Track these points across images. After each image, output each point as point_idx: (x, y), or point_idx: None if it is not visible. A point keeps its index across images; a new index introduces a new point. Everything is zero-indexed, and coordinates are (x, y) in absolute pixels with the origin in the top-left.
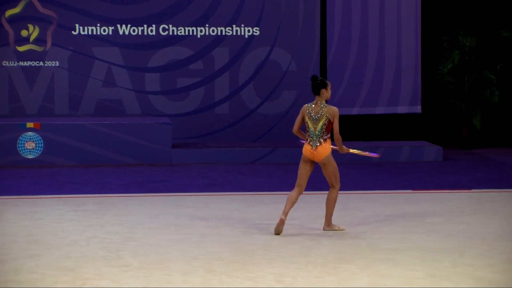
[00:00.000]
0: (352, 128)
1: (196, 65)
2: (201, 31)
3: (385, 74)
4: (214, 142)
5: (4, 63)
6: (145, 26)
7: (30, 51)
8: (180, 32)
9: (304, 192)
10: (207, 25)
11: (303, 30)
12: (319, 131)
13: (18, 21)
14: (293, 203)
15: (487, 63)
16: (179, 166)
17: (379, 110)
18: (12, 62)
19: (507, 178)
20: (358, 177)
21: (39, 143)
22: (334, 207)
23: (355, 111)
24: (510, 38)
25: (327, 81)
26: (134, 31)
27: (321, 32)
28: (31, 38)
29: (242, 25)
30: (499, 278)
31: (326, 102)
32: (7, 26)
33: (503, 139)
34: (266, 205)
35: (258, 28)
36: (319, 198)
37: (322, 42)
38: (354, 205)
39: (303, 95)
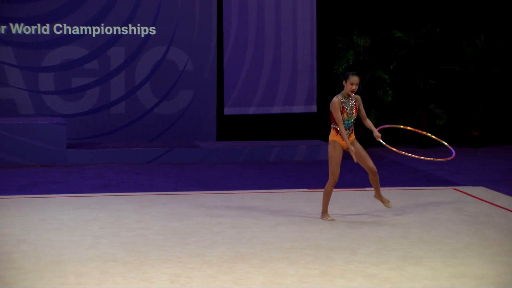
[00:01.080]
0: (249, 128)
1: (91, 65)
2: (96, 30)
3: (281, 74)
4: (110, 142)
5: None
6: (39, 25)
7: None
8: (75, 32)
9: (204, 192)
10: (102, 24)
11: (199, 30)
12: None
13: None
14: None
15: (381, 63)
16: (74, 167)
17: (276, 109)
18: None
19: (399, 176)
20: (255, 176)
21: None
22: (326, 199)
23: (251, 110)
24: (403, 38)
25: (347, 74)
26: (27, 30)
27: (218, 32)
28: None
29: (138, 25)
30: (391, 275)
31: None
32: None
33: (396, 138)
34: (163, 205)
35: (154, 28)
36: (214, 198)
37: (218, 42)
38: (250, 204)
39: (200, 95)
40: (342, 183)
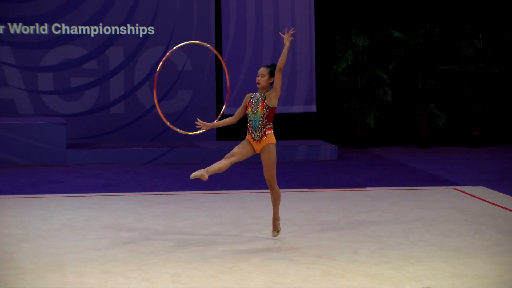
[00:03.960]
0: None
1: (90, 65)
2: (94, 30)
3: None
4: (110, 142)
5: None
6: (37, 24)
7: None
8: (73, 31)
9: (204, 192)
10: (100, 24)
11: (198, 29)
12: None
13: None
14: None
15: (380, 63)
16: (74, 167)
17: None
18: None
19: (399, 176)
20: (254, 176)
21: None
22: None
23: None
24: (401, 38)
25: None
26: (25, 30)
27: (216, 31)
28: None
29: (137, 24)
30: (392, 274)
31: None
32: None
33: (396, 138)
34: (163, 205)
35: (152, 28)
36: (214, 198)
37: (217, 41)
38: (249, 204)
39: (199, 95)
40: (342, 183)
